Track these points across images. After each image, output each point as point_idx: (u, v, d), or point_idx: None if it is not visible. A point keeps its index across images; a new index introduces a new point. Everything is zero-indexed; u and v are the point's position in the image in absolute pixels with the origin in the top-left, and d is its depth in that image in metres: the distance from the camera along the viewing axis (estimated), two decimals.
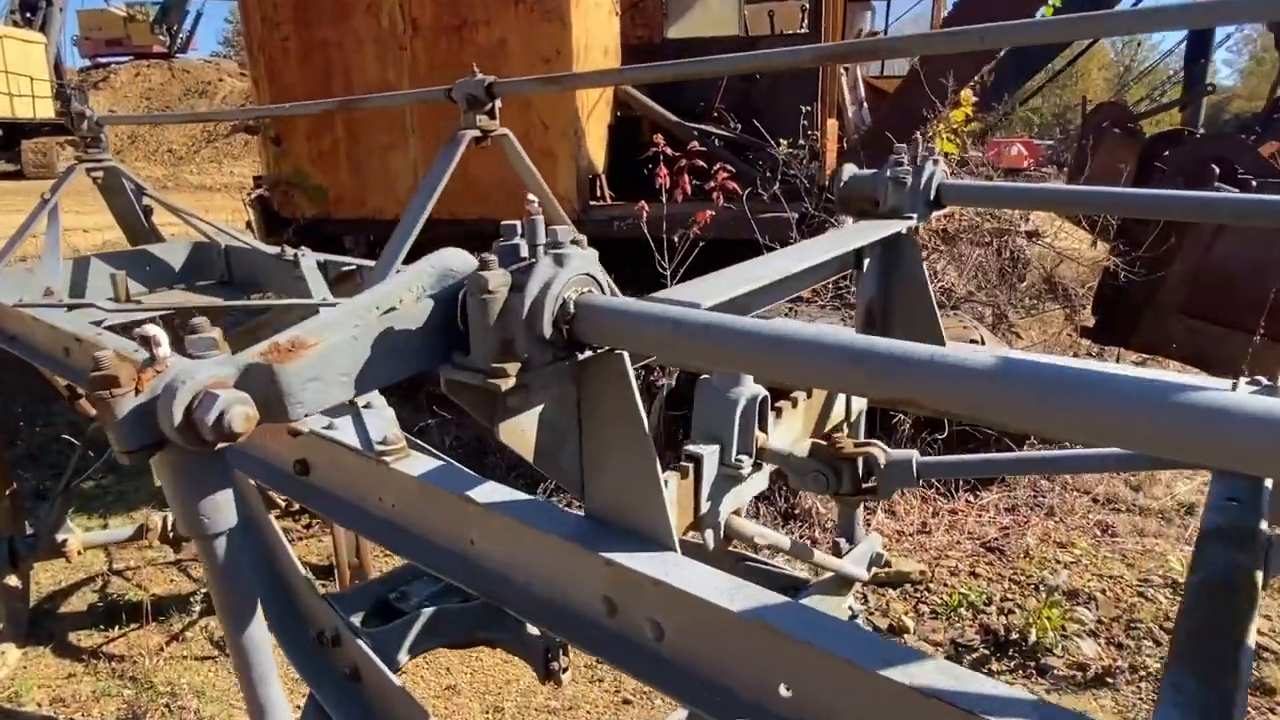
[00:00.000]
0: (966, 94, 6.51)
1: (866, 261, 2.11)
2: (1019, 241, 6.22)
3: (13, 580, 3.99)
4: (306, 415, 1.02)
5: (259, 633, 1.14)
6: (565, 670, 2.50)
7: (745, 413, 1.58)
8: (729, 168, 4.87)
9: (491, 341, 1.07)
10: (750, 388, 1.59)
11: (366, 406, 1.82)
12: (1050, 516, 4.85)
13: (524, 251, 1.11)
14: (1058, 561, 4.44)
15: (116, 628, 4.11)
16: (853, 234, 1.97)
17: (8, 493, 4.07)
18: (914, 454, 1.49)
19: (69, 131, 22.95)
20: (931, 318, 2.09)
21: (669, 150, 4.83)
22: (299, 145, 6.48)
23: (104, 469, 5.88)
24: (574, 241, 1.10)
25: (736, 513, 1.79)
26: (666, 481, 1.47)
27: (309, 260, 3.44)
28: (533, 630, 2.55)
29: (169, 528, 3.90)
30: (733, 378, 1.59)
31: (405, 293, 1.16)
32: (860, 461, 1.50)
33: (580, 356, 1.16)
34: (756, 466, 1.64)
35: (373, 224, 6.48)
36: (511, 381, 1.06)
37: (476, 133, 2.32)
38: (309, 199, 6.46)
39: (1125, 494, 5.13)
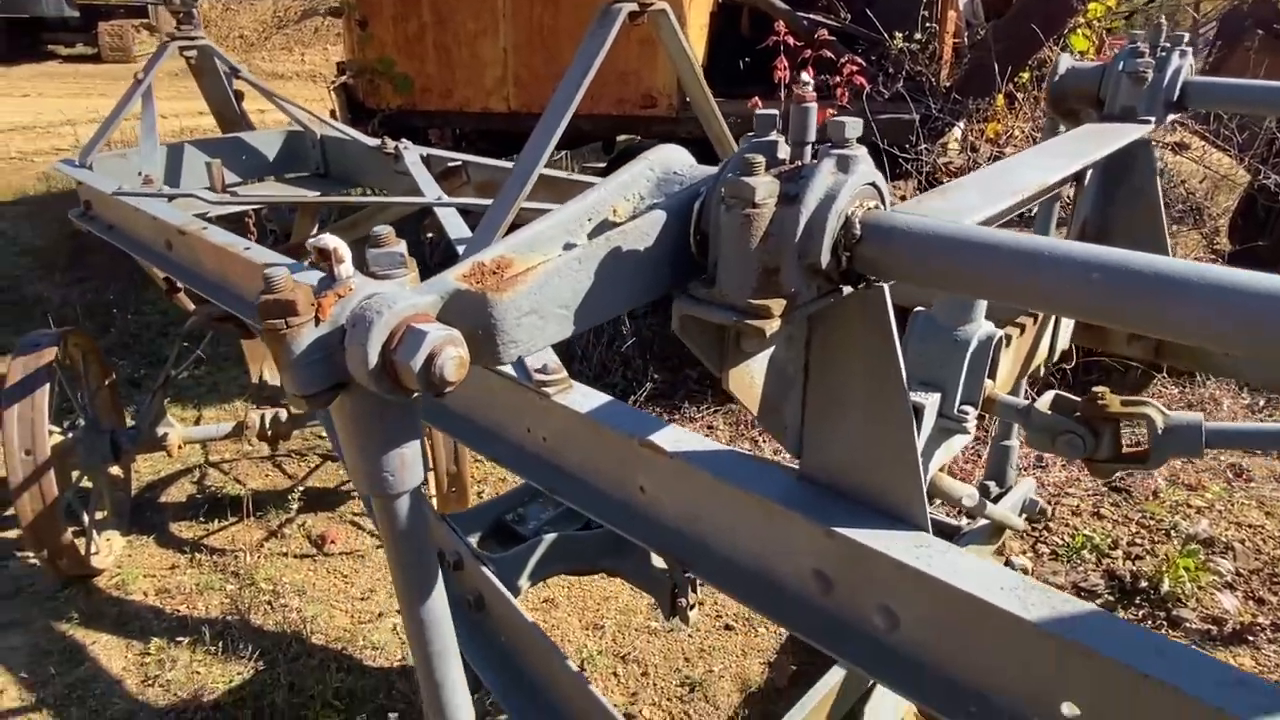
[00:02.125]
0: None
1: (1090, 172, 1.79)
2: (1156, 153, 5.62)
3: (115, 470, 4.02)
4: (520, 357, 0.80)
5: (439, 605, 0.96)
6: (693, 608, 2.35)
7: (976, 356, 1.32)
8: (859, 61, 4.42)
9: (749, 270, 0.82)
10: (983, 326, 1.32)
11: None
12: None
13: (782, 151, 0.85)
14: (1189, 505, 4.13)
15: (216, 521, 4.14)
16: (1088, 140, 1.64)
17: (107, 383, 4.06)
18: (1199, 417, 1.22)
19: (145, 14, 22.75)
20: (1161, 244, 1.77)
21: (791, 40, 4.38)
22: (385, 30, 6.15)
23: (194, 361, 5.91)
24: (856, 140, 0.83)
25: (943, 470, 1.55)
26: None
27: (412, 154, 3.21)
28: (659, 564, 2.40)
29: (266, 425, 3.84)
30: (961, 313, 1.32)
31: (620, 202, 0.91)
32: (1135, 419, 1.24)
33: (845, 292, 0.90)
34: (984, 417, 1.39)
35: (460, 116, 6.18)
36: (777, 324, 0.81)
37: (633, 6, 2.01)
38: (395, 88, 6.18)
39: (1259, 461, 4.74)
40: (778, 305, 0.81)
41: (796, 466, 1.16)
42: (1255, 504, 4.19)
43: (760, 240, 0.81)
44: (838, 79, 4.34)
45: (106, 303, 6.50)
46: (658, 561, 2.39)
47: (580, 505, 1.45)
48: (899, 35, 5.38)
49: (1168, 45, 1.79)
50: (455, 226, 2.37)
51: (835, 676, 1.82)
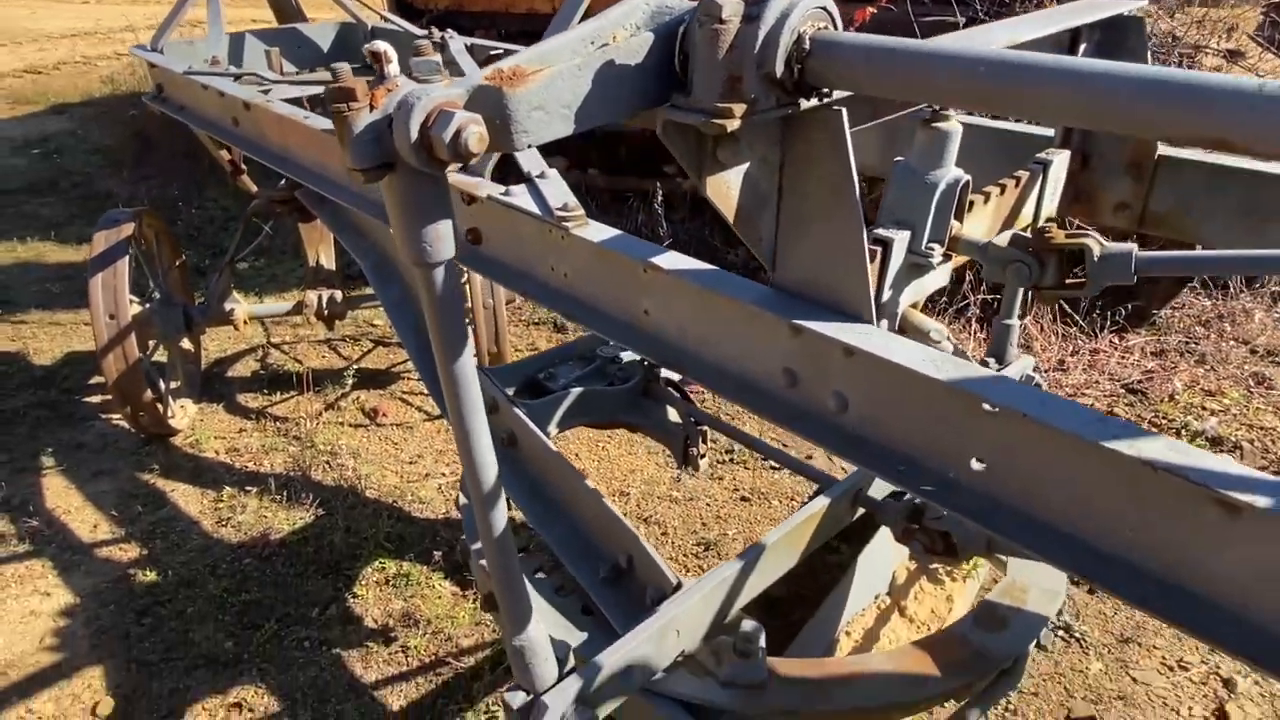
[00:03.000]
0: None
1: (1083, 47, 1.90)
2: (1213, 63, 5.50)
3: (187, 344, 4.38)
4: (529, 146, 1.01)
5: (468, 366, 1.19)
6: (703, 457, 2.59)
7: (943, 198, 1.49)
8: None
9: (718, 78, 1.01)
10: (951, 171, 1.49)
11: (540, 176, 1.80)
12: (1201, 364, 4.58)
13: None
14: (1204, 408, 4.24)
15: (278, 394, 4.50)
16: (1071, 11, 1.75)
17: (178, 264, 4.39)
18: (1132, 246, 1.38)
19: None
20: None
21: None
22: None
23: (256, 253, 6.24)
24: None
25: (915, 306, 1.74)
26: None
27: (457, 43, 3.37)
28: (674, 417, 2.64)
29: (323, 305, 4.14)
30: (933, 160, 1.49)
31: (619, 29, 1.10)
32: (1068, 254, 1.40)
33: (803, 105, 1.08)
34: (945, 258, 1.56)
35: (505, 17, 6.27)
36: (737, 123, 1.00)
37: None
38: None
39: None
40: (739, 108, 1.00)
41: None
42: (1272, 409, 4.28)
43: (726, 52, 0.99)
44: None
45: (171, 197, 6.84)
46: (673, 415, 2.63)
47: (594, 328, 1.68)
48: None
49: None
50: None
51: (819, 504, 2.05)
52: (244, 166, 3.74)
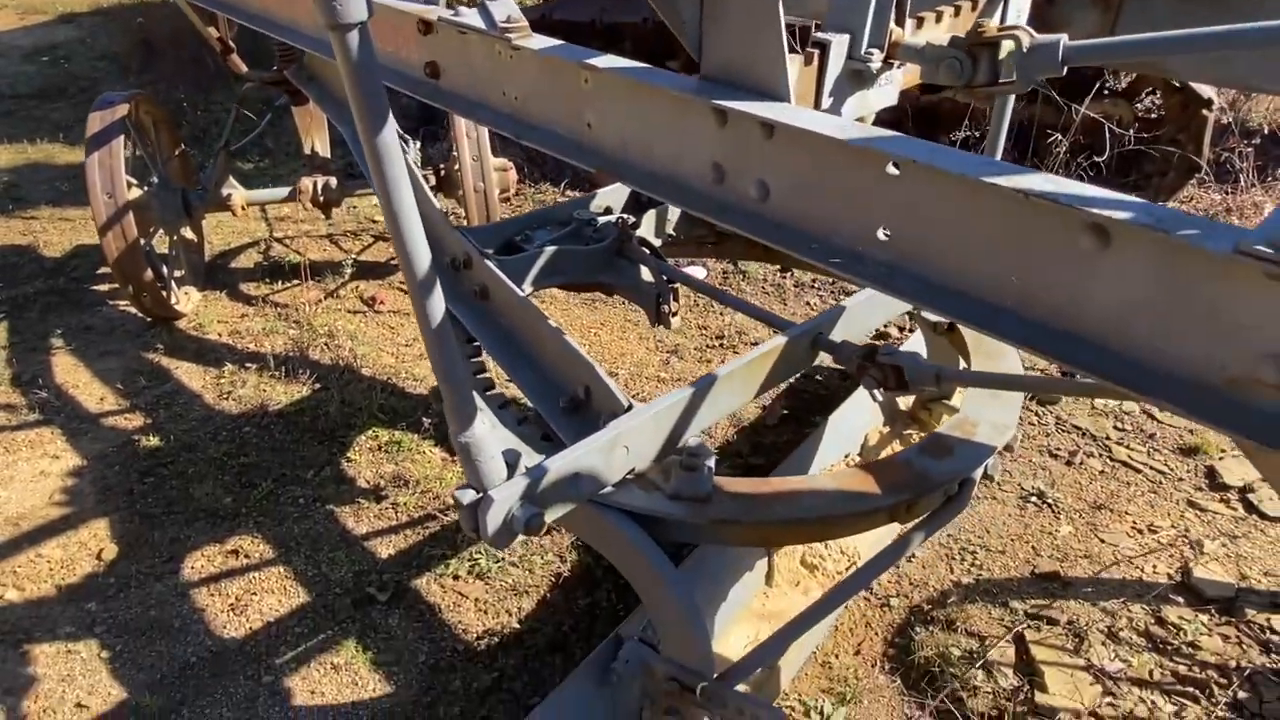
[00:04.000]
0: None
1: None
2: None
3: (190, 234, 4.45)
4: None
5: (390, 135, 1.22)
6: (675, 314, 2.63)
7: (881, 1, 1.48)
8: None
9: None
10: None
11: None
12: None
13: None
14: None
15: (280, 283, 4.58)
16: None
17: (178, 153, 4.44)
18: (1062, 37, 1.37)
19: None
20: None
21: None
22: None
23: (260, 153, 6.27)
24: None
25: (863, 120, 1.74)
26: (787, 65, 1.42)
27: None
28: (646, 277, 2.67)
29: (318, 191, 4.18)
30: None
31: None
32: (1001, 47, 1.40)
33: None
34: (888, 65, 1.56)
35: None
36: None
37: None
38: None
39: None
40: None
41: None
42: None
43: None
44: None
45: (177, 100, 6.85)
46: (646, 275, 2.66)
47: (546, 147, 1.70)
48: None
49: None
50: None
51: (775, 342, 2.08)
52: (233, 45, 3.74)
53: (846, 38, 1.51)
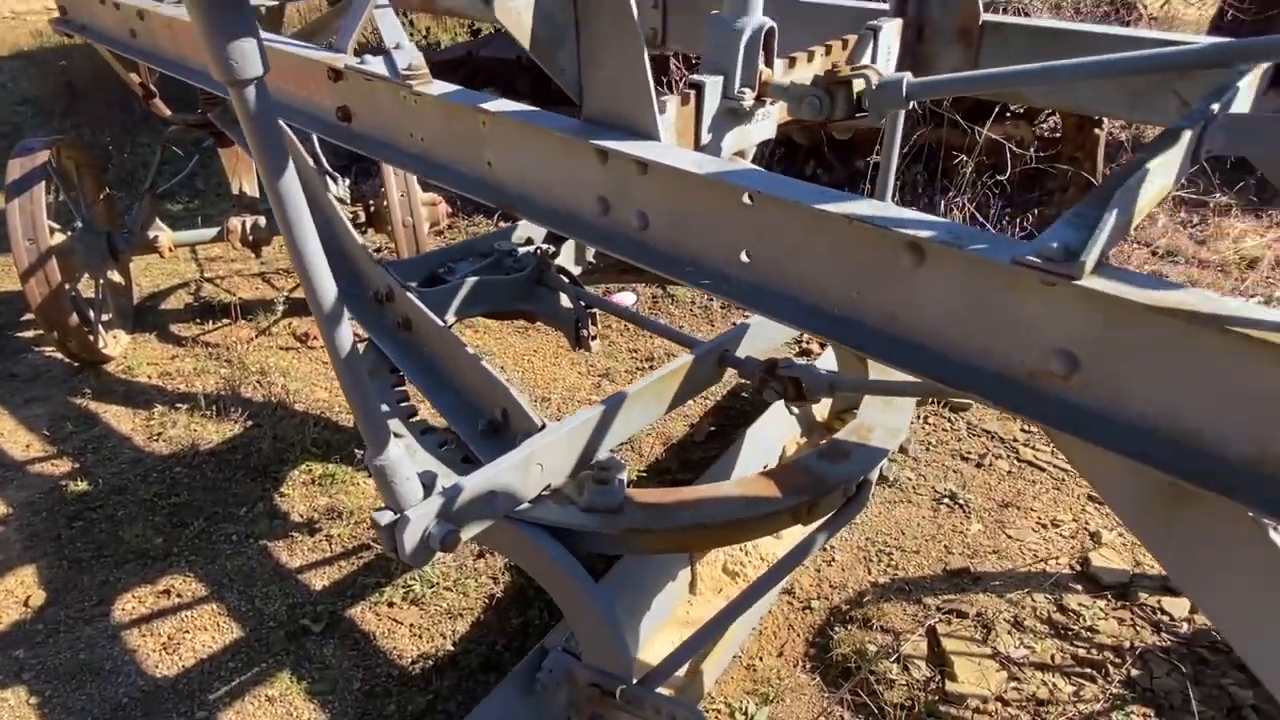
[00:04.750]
0: None
1: None
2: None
3: (116, 277, 4.44)
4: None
5: (292, 180, 1.31)
6: (594, 338, 2.75)
7: (750, 44, 1.62)
8: None
9: None
10: (756, 19, 1.62)
11: (396, 48, 1.91)
12: None
13: None
14: None
15: (211, 323, 4.58)
16: None
17: (102, 196, 4.43)
18: (906, 75, 1.53)
19: None
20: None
21: None
22: None
23: (190, 194, 6.25)
24: None
25: (741, 154, 1.88)
26: (665, 105, 1.56)
27: None
28: (566, 303, 2.78)
29: (247, 230, 4.21)
30: (740, 9, 1.62)
31: None
32: (855, 85, 1.55)
33: None
34: (760, 103, 1.70)
35: None
36: None
37: None
38: None
39: (1187, 246, 5.02)
40: None
41: None
42: None
43: None
44: None
45: (103, 144, 6.79)
46: (565, 301, 2.77)
47: (450, 185, 1.81)
48: None
49: None
50: None
51: (683, 360, 2.21)
52: (155, 90, 3.78)
53: (720, 79, 1.65)
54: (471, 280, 2.69)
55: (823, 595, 2.84)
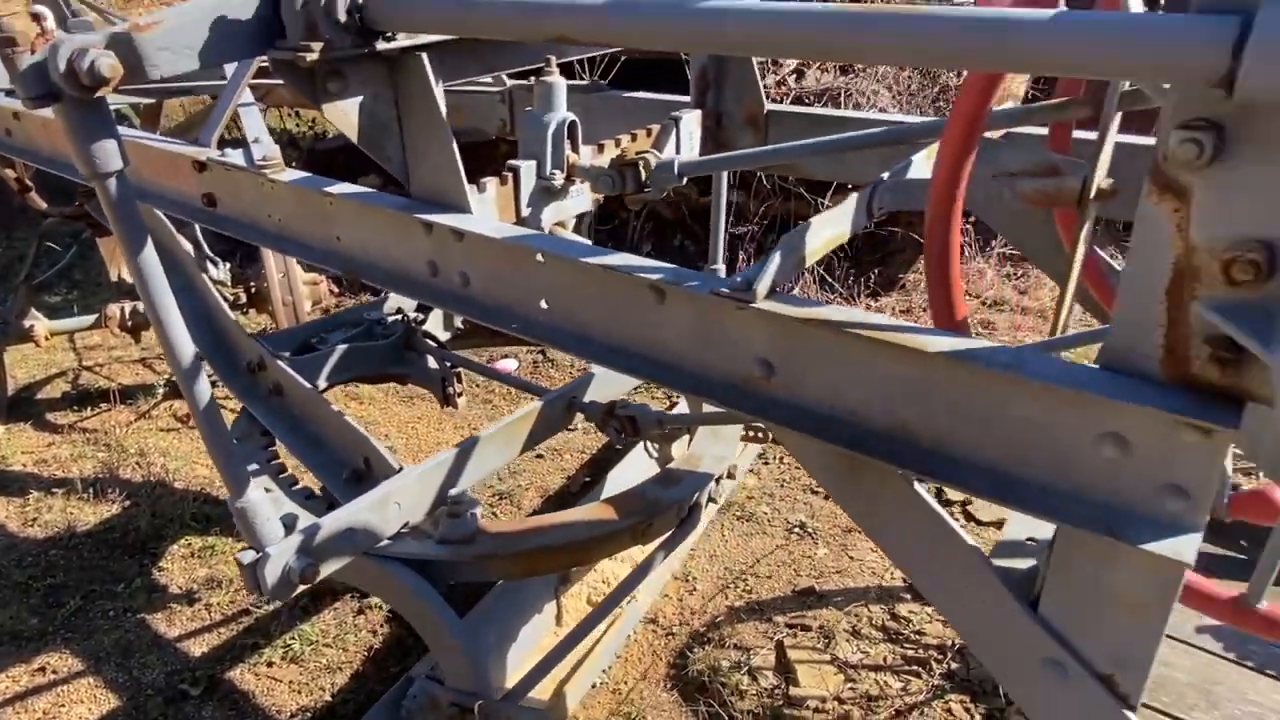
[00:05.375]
0: None
1: None
2: None
3: None
4: (161, 78, 1.39)
5: (150, 255, 1.54)
6: (460, 395, 2.99)
7: (556, 133, 1.95)
8: None
9: (299, 25, 1.43)
10: (561, 114, 1.96)
11: (255, 141, 2.17)
12: None
13: None
14: None
15: (89, 409, 4.59)
16: None
17: None
18: (677, 157, 1.88)
19: None
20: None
21: None
22: None
23: (68, 285, 6.23)
24: None
25: (562, 225, 2.20)
26: (484, 184, 1.87)
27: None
28: (433, 365, 3.02)
29: (126, 317, 4.30)
30: (546, 105, 1.96)
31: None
32: (640, 166, 1.89)
33: (379, 46, 1.51)
34: (571, 180, 2.03)
35: None
36: (315, 54, 1.42)
37: None
38: None
39: (1012, 296, 5.63)
40: (317, 45, 1.42)
41: None
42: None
43: (303, 5, 1.41)
44: None
45: None
46: (432, 363, 3.01)
47: (308, 259, 2.05)
48: None
49: None
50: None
51: (533, 406, 2.47)
52: (30, 185, 3.90)
53: (534, 163, 1.97)
54: (342, 348, 2.91)
55: (684, 621, 3.09)
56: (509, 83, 3.06)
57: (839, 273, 5.42)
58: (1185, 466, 0.99)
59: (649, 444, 3.05)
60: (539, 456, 4.11)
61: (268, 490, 2.39)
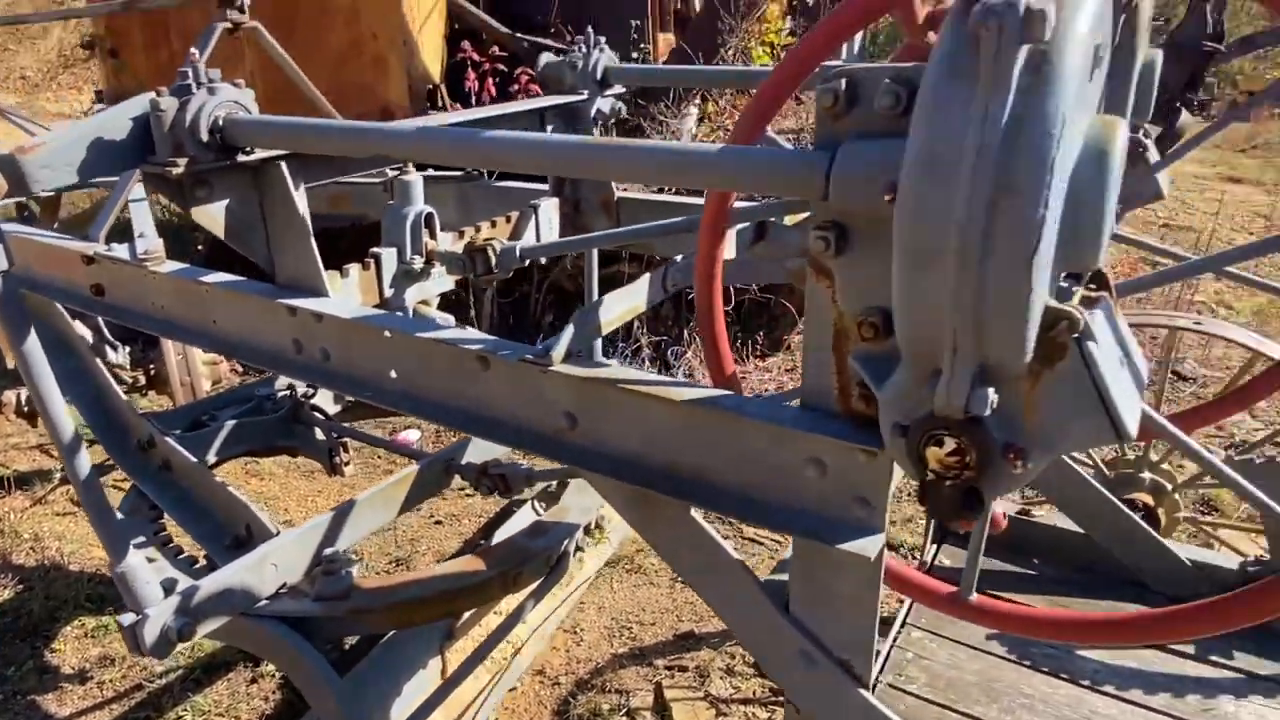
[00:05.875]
0: (773, 10, 7.20)
1: (549, 127, 2.77)
2: None
3: None
4: (44, 192, 1.61)
5: (35, 344, 1.73)
6: (348, 464, 3.16)
7: (414, 224, 2.22)
8: (530, 71, 5.42)
9: (167, 144, 1.67)
10: (418, 205, 2.23)
11: (140, 235, 2.37)
12: None
13: (194, 88, 1.70)
14: None
15: None
16: (539, 101, 2.62)
17: None
18: (519, 242, 2.16)
19: None
20: None
21: (475, 56, 5.34)
22: (137, 58, 6.65)
23: None
24: (235, 83, 1.70)
25: (426, 303, 2.45)
26: (348, 270, 2.12)
27: None
28: (320, 436, 3.20)
29: (23, 402, 4.33)
30: (405, 199, 2.23)
31: (120, 119, 1.74)
32: (488, 251, 2.16)
33: (241, 159, 1.77)
34: (430, 263, 2.29)
35: None
36: (181, 169, 1.66)
37: (228, 25, 2.83)
38: None
39: None
40: (183, 161, 1.66)
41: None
42: None
43: (169, 128, 1.66)
44: (515, 87, 5.33)
45: None
46: (320, 435, 3.18)
47: (190, 343, 2.26)
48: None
49: (595, 44, 2.81)
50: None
51: (409, 470, 2.66)
52: None
53: (395, 250, 2.23)
54: (231, 423, 3.06)
55: (570, 671, 3.26)
56: (390, 173, 3.33)
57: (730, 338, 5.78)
58: (865, 482, 1.28)
59: (536, 503, 3.28)
60: (437, 522, 4.26)
61: (152, 560, 2.52)
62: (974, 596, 1.54)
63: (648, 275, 1.79)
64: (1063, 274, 1.05)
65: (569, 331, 1.53)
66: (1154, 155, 2.02)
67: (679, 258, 1.90)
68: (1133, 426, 0.93)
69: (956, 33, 0.81)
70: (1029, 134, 0.78)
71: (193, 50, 1.80)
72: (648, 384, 1.46)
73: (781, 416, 1.32)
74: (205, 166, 1.72)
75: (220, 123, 1.69)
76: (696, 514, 1.54)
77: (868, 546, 1.29)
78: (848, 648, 1.44)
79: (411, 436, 5.13)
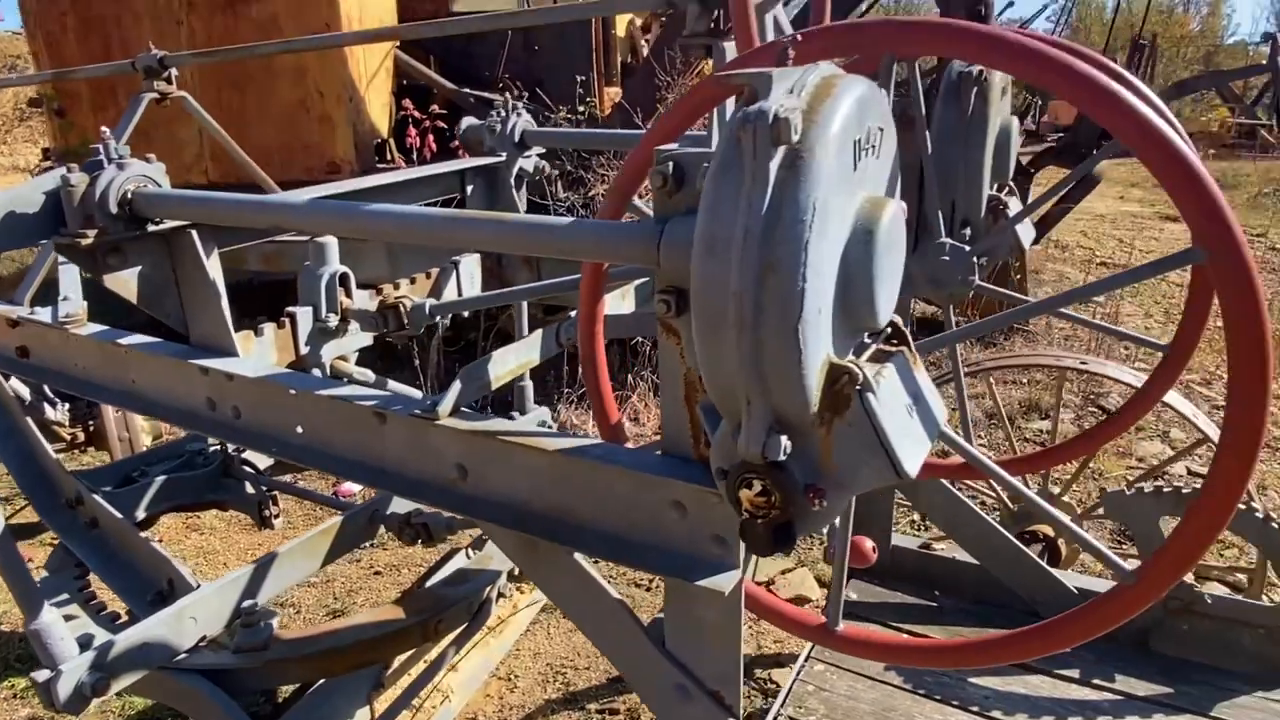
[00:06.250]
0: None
1: (470, 188, 2.90)
2: None
3: None
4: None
5: None
6: (277, 517, 3.21)
7: (329, 283, 2.32)
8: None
9: (78, 216, 1.77)
10: (333, 266, 2.33)
11: (64, 299, 2.43)
12: None
13: (105, 163, 1.80)
14: None
15: None
16: (458, 164, 2.75)
17: None
18: (429, 300, 2.27)
19: None
20: None
21: (416, 114, 5.49)
22: (84, 117, 6.72)
23: None
24: (145, 158, 1.81)
25: (345, 359, 2.54)
26: (263, 329, 2.20)
27: None
28: (250, 490, 3.24)
29: None
30: (320, 260, 2.33)
31: (33, 193, 1.83)
32: (399, 308, 2.27)
33: (151, 229, 1.86)
34: (345, 321, 2.38)
35: None
36: (90, 239, 1.75)
37: (155, 95, 2.94)
38: None
39: None
40: (92, 232, 1.76)
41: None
42: None
43: (80, 202, 1.75)
44: (457, 143, 5.48)
45: None
46: (249, 489, 3.23)
47: (110, 403, 2.32)
48: (562, 109, 6.73)
49: (514, 108, 2.96)
50: None
51: (333, 521, 2.72)
52: None
53: (310, 309, 2.32)
54: (161, 479, 3.10)
55: (502, 717, 3.30)
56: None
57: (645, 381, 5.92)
58: (719, 521, 1.39)
59: (470, 550, 3.33)
60: (377, 573, 4.29)
61: (73, 616, 2.54)
62: (840, 626, 1.65)
63: (540, 331, 1.90)
64: (863, 331, 1.18)
65: (456, 386, 1.64)
66: (1014, 210, 2.19)
67: (573, 313, 2.02)
68: (912, 468, 1.06)
69: (728, 135, 0.94)
70: (785, 220, 0.91)
71: (104, 129, 1.89)
72: (526, 435, 1.56)
73: (645, 464, 1.43)
74: (116, 237, 1.81)
75: (129, 195, 1.79)
76: (580, 558, 1.64)
77: (723, 582, 1.39)
78: (718, 679, 1.53)
79: (354, 488, 5.15)
